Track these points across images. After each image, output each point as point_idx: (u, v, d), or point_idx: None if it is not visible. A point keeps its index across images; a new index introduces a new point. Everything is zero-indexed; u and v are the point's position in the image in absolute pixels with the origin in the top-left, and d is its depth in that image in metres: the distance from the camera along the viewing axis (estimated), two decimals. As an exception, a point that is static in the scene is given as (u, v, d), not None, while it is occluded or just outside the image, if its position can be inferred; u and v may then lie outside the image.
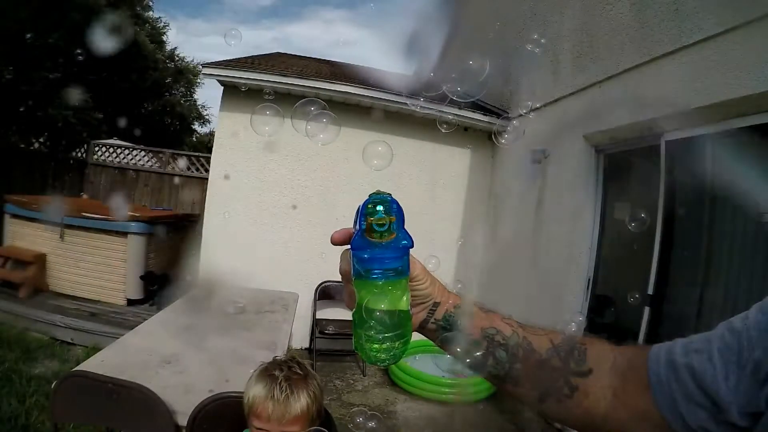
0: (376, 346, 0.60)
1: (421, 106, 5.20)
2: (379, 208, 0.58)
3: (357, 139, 4.86)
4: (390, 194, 0.60)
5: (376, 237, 0.58)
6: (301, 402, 1.30)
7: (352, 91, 5.09)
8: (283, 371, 1.34)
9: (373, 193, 0.60)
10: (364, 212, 0.59)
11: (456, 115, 5.30)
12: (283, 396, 1.28)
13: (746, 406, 0.51)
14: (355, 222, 0.61)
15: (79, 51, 9.44)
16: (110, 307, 5.25)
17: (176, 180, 9.39)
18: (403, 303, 0.61)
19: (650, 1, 3.25)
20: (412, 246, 0.61)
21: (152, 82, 16.26)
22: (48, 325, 4.66)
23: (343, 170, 5.31)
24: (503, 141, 1.08)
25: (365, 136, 5.05)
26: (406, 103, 5.18)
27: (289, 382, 1.31)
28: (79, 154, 9.72)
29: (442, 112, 5.27)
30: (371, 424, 0.91)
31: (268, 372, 1.34)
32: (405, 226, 0.62)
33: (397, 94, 5.17)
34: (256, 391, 1.30)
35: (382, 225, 0.58)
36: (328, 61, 7.53)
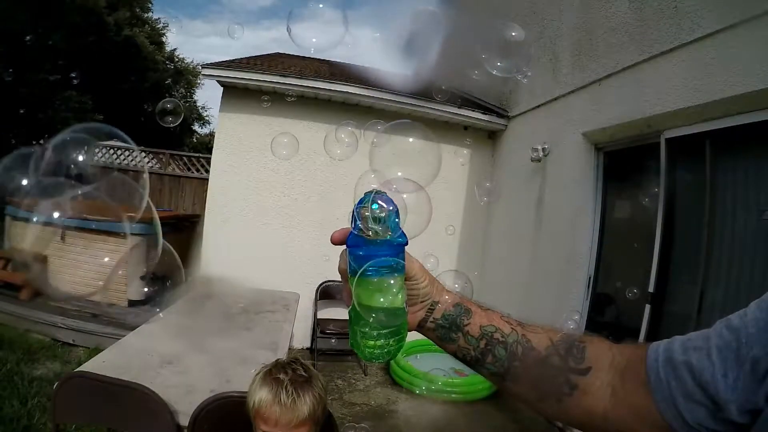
0: (371, 342, 0.61)
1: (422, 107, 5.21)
2: (375, 206, 0.59)
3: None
4: (386, 192, 0.61)
5: (372, 234, 0.59)
6: (307, 404, 1.30)
7: (352, 91, 5.09)
8: (288, 374, 1.33)
9: (370, 191, 0.61)
10: (360, 210, 0.60)
11: (455, 114, 5.31)
12: (290, 400, 1.27)
13: (745, 404, 0.51)
14: (353, 220, 0.61)
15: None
16: (111, 308, 5.26)
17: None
18: (398, 300, 0.61)
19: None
20: (406, 243, 0.61)
21: (152, 83, 16.29)
22: (49, 326, 4.66)
23: (343, 169, 5.31)
24: (483, 201, 1.07)
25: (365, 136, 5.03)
26: (406, 103, 5.18)
27: (294, 385, 1.30)
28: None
29: (442, 111, 5.29)
30: None
31: (273, 375, 1.34)
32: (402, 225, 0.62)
33: (397, 94, 5.17)
34: (262, 396, 1.30)
35: (378, 222, 0.58)
36: (328, 61, 7.52)
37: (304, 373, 1.36)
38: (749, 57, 2.45)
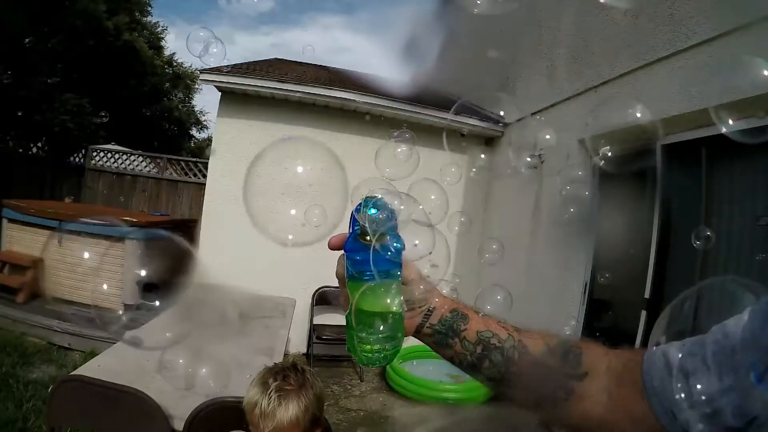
0: (368, 347, 0.61)
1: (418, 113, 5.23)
2: (372, 211, 0.59)
3: (354, 145, 4.87)
4: (383, 198, 0.61)
5: (369, 239, 0.59)
6: (289, 413, 1.27)
7: (350, 97, 5.10)
8: (276, 381, 1.32)
9: (367, 197, 0.61)
10: (357, 215, 0.60)
11: (452, 120, 5.32)
12: (270, 408, 1.26)
13: (739, 408, 0.51)
14: (350, 226, 0.61)
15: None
16: (107, 313, 5.22)
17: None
18: (396, 305, 0.61)
19: (645, 6, 3.27)
20: (404, 249, 0.61)
21: (150, 88, 16.29)
22: (45, 329, 4.64)
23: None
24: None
25: (363, 142, 5.05)
26: (403, 109, 5.19)
27: (279, 393, 1.29)
28: (77, 159, 9.71)
29: (438, 117, 5.30)
30: None
31: (264, 379, 1.33)
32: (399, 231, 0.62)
33: (394, 100, 5.18)
34: (249, 397, 1.30)
35: (375, 228, 0.59)
36: (326, 67, 7.55)
37: (293, 382, 1.34)
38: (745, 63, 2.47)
